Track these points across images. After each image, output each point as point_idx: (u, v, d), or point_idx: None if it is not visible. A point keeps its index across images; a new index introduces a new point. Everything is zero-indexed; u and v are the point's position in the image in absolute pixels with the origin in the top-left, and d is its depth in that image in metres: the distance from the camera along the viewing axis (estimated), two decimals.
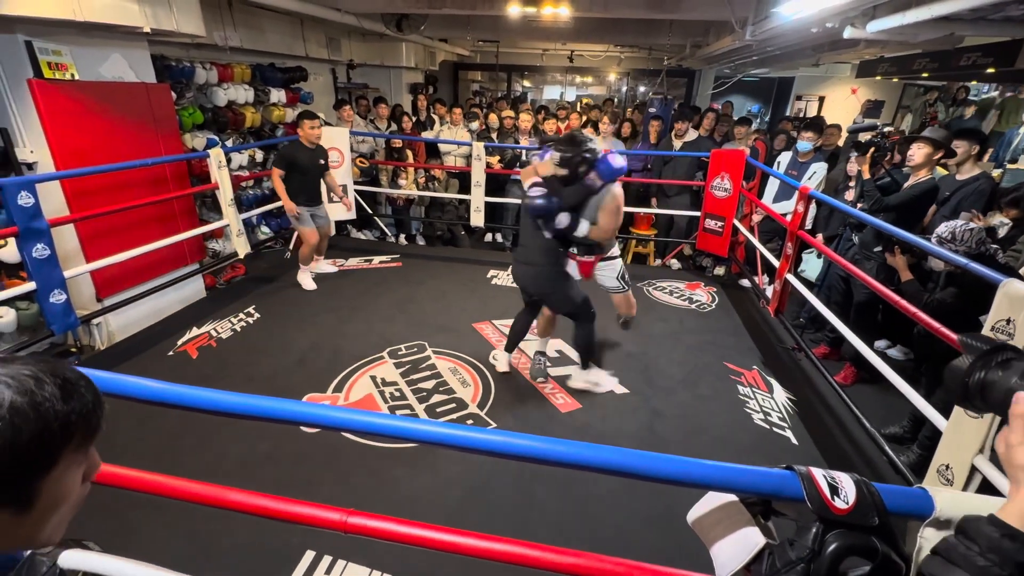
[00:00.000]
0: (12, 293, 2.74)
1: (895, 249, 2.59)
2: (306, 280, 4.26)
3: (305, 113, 4.02)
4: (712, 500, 0.85)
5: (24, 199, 2.62)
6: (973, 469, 1.69)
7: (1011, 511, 0.57)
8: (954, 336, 1.89)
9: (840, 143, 5.06)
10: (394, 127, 5.75)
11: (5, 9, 2.47)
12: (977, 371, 0.63)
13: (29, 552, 1.10)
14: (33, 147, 2.93)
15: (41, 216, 2.71)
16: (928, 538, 0.69)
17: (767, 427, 2.79)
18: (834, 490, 0.70)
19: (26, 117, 2.88)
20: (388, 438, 2.47)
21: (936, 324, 1.98)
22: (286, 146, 4.17)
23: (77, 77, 3.01)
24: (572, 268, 2.87)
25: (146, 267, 3.58)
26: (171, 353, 3.29)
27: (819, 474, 0.72)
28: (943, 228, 2.31)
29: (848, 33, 3.61)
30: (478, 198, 5.13)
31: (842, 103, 10.07)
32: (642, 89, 12.08)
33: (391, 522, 0.94)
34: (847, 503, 0.69)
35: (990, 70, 5.06)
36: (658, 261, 5.42)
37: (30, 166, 2.97)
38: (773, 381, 3.22)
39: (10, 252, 2.86)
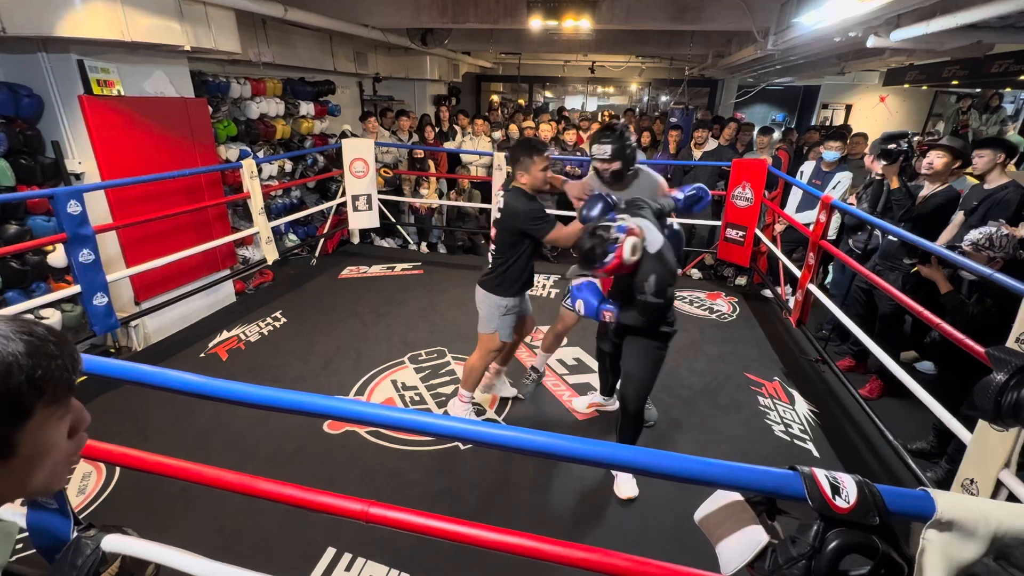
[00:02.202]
0: (59, 295, 2.91)
1: (932, 259, 2.45)
2: (504, 387, 3.02)
3: (534, 148, 2.40)
4: (718, 499, 0.88)
5: (72, 207, 2.78)
6: (999, 483, 1.65)
7: None
8: (981, 349, 1.86)
9: (866, 151, 4.97)
10: (416, 138, 5.89)
11: (61, 31, 2.66)
12: (1011, 389, 0.61)
13: (76, 535, 1.18)
14: (81, 159, 3.12)
15: (88, 223, 2.87)
16: (931, 540, 0.71)
17: (788, 439, 2.75)
18: (835, 489, 0.72)
19: (76, 131, 3.07)
20: (409, 435, 2.53)
21: (968, 340, 1.91)
22: (531, 202, 2.42)
23: (123, 93, 3.20)
24: (589, 292, 2.22)
25: (181, 272, 3.74)
26: (202, 355, 3.42)
27: (821, 474, 0.74)
28: (977, 235, 2.22)
29: (872, 42, 3.58)
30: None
31: (870, 112, 9.87)
32: (664, 99, 12.08)
33: (411, 514, 0.99)
34: (848, 502, 0.71)
35: (1022, 77, 4.93)
36: (679, 270, 5.39)
37: (78, 176, 3.15)
38: (795, 392, 3.18)
39: (57, 257, 3.04)
